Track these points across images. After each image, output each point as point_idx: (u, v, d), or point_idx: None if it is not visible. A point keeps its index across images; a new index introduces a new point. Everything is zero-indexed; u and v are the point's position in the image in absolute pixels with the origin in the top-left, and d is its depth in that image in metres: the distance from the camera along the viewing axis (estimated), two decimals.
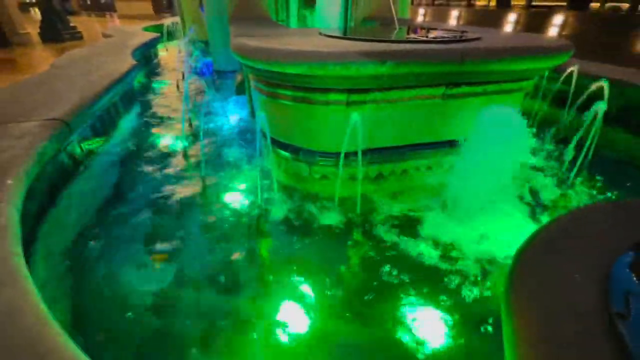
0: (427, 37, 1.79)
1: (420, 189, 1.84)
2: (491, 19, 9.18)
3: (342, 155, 1.51)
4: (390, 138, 1.69)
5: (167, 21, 6.78)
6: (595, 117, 1.64)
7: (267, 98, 1.69)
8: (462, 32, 1.87)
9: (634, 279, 0.67)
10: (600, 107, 1.54)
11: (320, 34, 1.81)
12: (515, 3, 10.26)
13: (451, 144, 1.74)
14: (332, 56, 1.31)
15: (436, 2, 12.57)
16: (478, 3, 12.50)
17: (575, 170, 1.82)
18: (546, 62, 1.55)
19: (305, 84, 1.47)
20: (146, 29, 6.50)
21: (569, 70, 2.09)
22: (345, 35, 1.63)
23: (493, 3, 10.68)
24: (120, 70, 2.62)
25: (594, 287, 0.66)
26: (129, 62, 2.98)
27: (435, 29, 2.15)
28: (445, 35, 1.72)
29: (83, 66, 2.80)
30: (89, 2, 27.70)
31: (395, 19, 2.19)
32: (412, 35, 1.87)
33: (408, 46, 1.38)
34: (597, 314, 0.61)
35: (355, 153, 1.69)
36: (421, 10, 12.24)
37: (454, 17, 10.36)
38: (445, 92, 1.57)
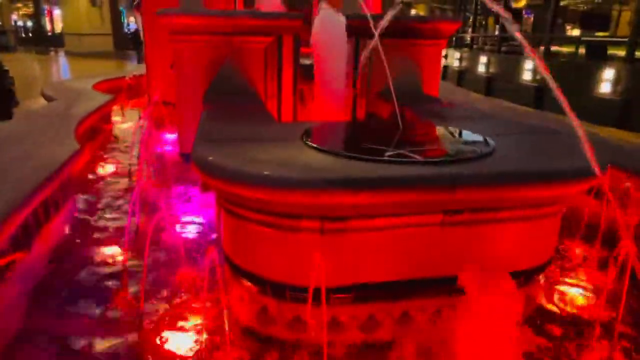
0: (428, 143, 2.27)
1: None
2: (578, 75, 10.06)
3: (312, 291, 1.88)
4: (381, 272, 2.07)
5: (128, 74, 7.82)
6: None
7: (230, 217, 2.15)
8: (472, 142, 2.37)
9: None
10: None
11: (303, 138, 2.33)
12: (614, 52, 11.24)
13: None
14: (298, 183, 1.77)
15: (503, 48, 13.94)
16: (563, 50, 13.74)
17: None
18: (567, 188, 1.98)
19: (273, 209, 1.92)
20: (107, 74, 7.54)
21: (624, 186, 2.52)
22: (329, 149, 2.12)
23: (583, 50, 11.72)
24: (58, 159, 3.22)
25: None
26: (71, 145, 3.62)
27: (451, 129, 2.67)
28: (446, 148, 2.20)
29: (14, 151, 3.43)
30: (30, 35, 31.71)
31: (398, 111, 2.76)
32: (412, 141, 2.38)
33: (388, 172, 1.84)
34: None
35: (340, 288, 2.06)
36: (483, 59, 13.56)
37: (526, 71, 11.41)
38: (445, 220, 1.99)
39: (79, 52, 23.60)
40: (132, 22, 32.88)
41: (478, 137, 2.43)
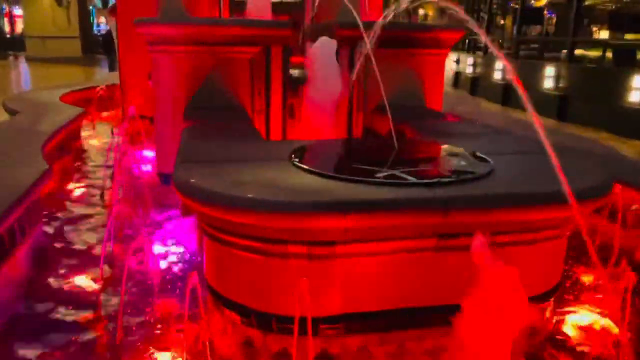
0: (423, 163, 2.47)
1: None
2: (605, 82, 10.36)
3: (299, 321, 2.05)
4: (373, 300, 2.25)
5: (100, 84, 8.04)
6: None
7: (212, 243, 2.33)
8: (477, 158, 2.58)
9: None
10: None
11: (291, 157, 2.53)
12: None
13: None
14: (284, 207, 1.96)
15: (521, 52, 14.30)
16: (589, 54, 14.09)
17: None
18: (567, 211, 2.16)
19: (257, 233, 2.10)
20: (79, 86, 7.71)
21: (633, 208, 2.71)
22: (316, 170, 2.32)
23: (610, 54, 12.06)
24: (24, 183, 3.39)
25: None
26: (39, 166, 3.79)
27: (450, 148, 2.87)
28: (441, 169, 2.40)
29: None
30: None
31: (394, 127, 2.96)
32: (407, 161, 2.58)
33: (378, 194, 2.03)
34: None
35: (329, 318, 2.23)
36: (498, 64, 13.89)
37: (547, 78, 11.72)
38: (439, 244, 2.17)
39: (42, 57, 23.90)
40: (102, 23, 33.39)
41: (478, 156, 2.63)
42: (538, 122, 1.86)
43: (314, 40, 4.14)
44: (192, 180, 2.19)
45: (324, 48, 3.88)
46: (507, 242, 2.25)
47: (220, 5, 5.49)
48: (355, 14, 3.42)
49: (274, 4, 5.24)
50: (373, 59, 3.14)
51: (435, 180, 2.23)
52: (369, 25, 3.20)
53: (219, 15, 5.54)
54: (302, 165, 2.39)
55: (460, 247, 2.20)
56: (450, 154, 2.79)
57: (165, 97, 4.09)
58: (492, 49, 2.08)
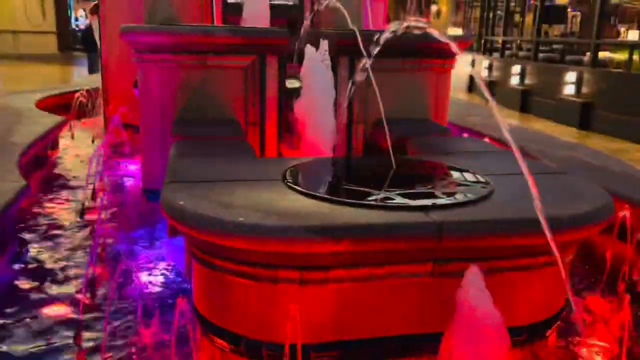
0: (421, 184, 2.67)
1: None
2: (631, 89, 10.54)
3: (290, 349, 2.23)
4: (367, 327, 2.42)
5: (80, 89, 8.21)
6: None
7: (201, 267, 2.51)
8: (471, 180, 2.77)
9: None
10: None
11: (285, 177, 2.72)
12: None
13: None
14: (274, 231, 2.14)
15: (541, 55, 14.48)
16: (616, 57, 14.28)
17: None
18: (564, 236, 2.35)
19: (248, 258, 2.29)
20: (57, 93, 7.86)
21: None
22: (309, 191, 2.51)
23: (637, 57, 12.22)
24: (1, 199, 3.58)
25: None
26: (16, 182, 3.97)
27: (451, 167, 3.06)
28: (439, 190, 2.60)
29: None
30: None
31: (391, 145, 3.15)
32: (404, 182, 2.77)
33: (370, 218, 2.22)
34: None
35: (322, 345, 2.41)
36: (516, 69, 14.13)
37: (569, 84, 11.93)
38: (435, 269, 2.36)
39: (13, 54, 24.09)
40: (81, 17, 33.70)
41: (478, 177, 2.82)
42: (512, 140, 2.06)
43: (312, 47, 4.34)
44: (181, 203, 2.37)
45: (318, 57, 4.07)
46: (505, 268, 2.43)
47: (212, 10, 5.67)
48: (348, 22, 3.60)
49: (270, 7, 5.44)
50: (371, 70, 3.32)
51: (430, 203, 2.41)
52: (371, 35, 3.38)
53: (212, 21, 5.73)
54: (296, 187, 2.58)
55: (457, 273, 2.39)
56: (450, 173, 2.97)
57: (152, 108, 4.26)
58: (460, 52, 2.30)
